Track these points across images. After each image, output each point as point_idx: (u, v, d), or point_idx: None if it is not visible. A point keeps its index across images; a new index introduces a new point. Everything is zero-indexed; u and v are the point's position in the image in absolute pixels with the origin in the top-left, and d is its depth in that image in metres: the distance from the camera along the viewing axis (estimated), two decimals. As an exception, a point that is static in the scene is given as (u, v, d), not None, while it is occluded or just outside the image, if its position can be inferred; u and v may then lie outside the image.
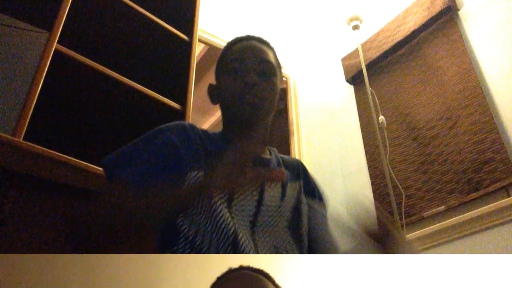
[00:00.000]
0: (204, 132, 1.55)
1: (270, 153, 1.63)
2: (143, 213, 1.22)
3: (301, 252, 1.42)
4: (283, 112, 4.50)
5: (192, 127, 1.50)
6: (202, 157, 1.41)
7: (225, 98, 1.57)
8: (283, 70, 4.54)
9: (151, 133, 1.46)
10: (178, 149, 1.40)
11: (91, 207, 1.29)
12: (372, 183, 3.98)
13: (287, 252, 1.36)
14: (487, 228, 3.03)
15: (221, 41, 3.99)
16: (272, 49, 1.68)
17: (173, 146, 1.41)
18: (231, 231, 1.27)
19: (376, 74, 4.44)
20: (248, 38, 1.67)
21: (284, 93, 1.66)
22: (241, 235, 1.28)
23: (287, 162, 1.65)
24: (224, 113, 1.63)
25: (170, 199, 1.23)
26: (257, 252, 1.28)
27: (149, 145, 1.41)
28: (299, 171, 1.64)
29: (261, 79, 1.53)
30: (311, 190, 1.65)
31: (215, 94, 1.65)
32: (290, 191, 1.51)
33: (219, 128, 1.63)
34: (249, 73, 1.52)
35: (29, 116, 1.84)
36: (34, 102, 1.89)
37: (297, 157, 4.05)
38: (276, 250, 1.34)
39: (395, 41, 4.26)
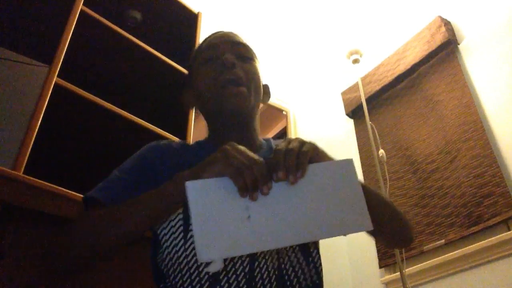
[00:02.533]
0: (184, 145, 1.47)
1: (262, 145, 1.51)
2: (121, 225, 1.10)
3: (306, 254, 1.27)
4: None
5: (167, 143, 1.43)
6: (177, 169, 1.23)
7: (200, 88, 1.44)
8: (283, 104, 4.59)
9: (126, 160, 1.38)
10: (152, 162, 1.33)
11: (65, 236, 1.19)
12: (372, 217, 3.97)
13: (289, 258, 1.22)
14: (488, 262, 3.02)
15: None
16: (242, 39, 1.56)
17: (145, 159, 1.35)
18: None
19: (376, 108, 4.45)
20: (218, 31, 1.58)
21: (267, 89, 1.48)
22: (226, 261, 1.15)
23: None
24: (206, 111, 1.50)
25: (144, 203, 1.10)
26: (252, 274, 1.15)
27: (122, 168, 1.34)
28: None
29: (239, 60, 1.43)
30: None
31: (189, 98, 1.54)
32: None
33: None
34: (226, 54, 1.41)
35: (29, 149, 1.85)
36: (34, 135, 1.89)
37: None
38: (278, 256, 1.21)
39: (395, 75, 4.28)
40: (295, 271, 1.22)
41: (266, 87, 1.59)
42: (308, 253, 1.28)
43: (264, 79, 1.55)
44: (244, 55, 1.46)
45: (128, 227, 1.10)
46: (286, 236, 0.95)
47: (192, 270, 1.16)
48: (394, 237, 1.46)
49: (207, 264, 0.93)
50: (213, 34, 1.56)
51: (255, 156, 0.99)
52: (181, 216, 1.23)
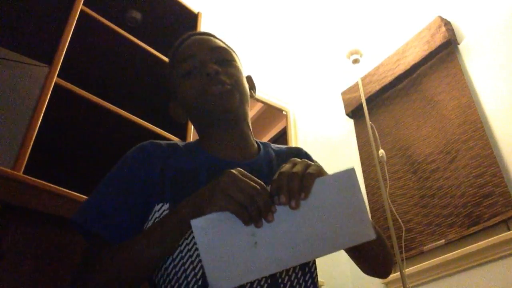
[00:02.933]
0: (174, 147, 1.40)
1: (259, 149, 1.47)
2: (133, 265, 1.08)
3: (309, 281, 1.25)
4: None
5: (155, 146, 1.36)
6: (167, 182, 1.25)
7: (188, 104, 1.40)
8: (283, 104, 4.59)
9: (113, 170, 1.32)
10: (141, 181, 1.26)
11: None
12: (372, 217, 3.97)
13: (291, 285, 1.19)
14: (487, 262, 3.02)
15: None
16: (219, 39, 1.52)
17: (135, 178, 1.26)
18: (198, 271, 1.15)
19: (376, 108, 4.45)
20: (190, 35, 1.51)
21: (251, 81, 1.44)
22: None
23: (285, 153, 1.51)
24: (195, 121, 1.47)
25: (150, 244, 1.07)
26: None
27: (111, 186, 1.26)
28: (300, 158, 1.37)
29: (221, 66, 1.37)
30: None
31: (178, 111, 1.50)
32: None
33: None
34: (206, 64, 1.36)
35: (29, 149, 1.85)
36: (34, 135, 1.89)
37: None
38: (275, 283, 1.17)
39: (395, 75, 4.27)
40: (291, 280, 1.20)
41: (249, 79, 1.55)
42: (306, 262, 1.25)
43: (254, 75, 1.52)
44: (224, 58, 1.42)
45: (145, 265, 1.09)
46: (293, 256, 0.95)
47: (180, 281, 1.15)
48: (377, 265, 1.43)
49: None
50: (188, 39, 1.50)
51: (257, 184, 0.97)
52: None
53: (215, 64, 1.37)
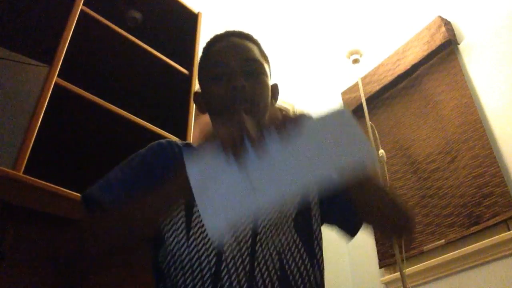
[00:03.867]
0: (188, 145, 1.48)
1: None
2: (128, 227, 1.15)
3: (311, 255, 1.29)
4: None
5: (170, 143, 1.45)
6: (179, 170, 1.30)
7: (213, 107, 1.45)
8: (283, 104, 4.58)
9: (128, 158, 1.40)
10: (153, 167, 1.34)
11: (76, 237, 1.23)
12: (373, 217, 3.97)
13: (293, 259, 1.24)
14: (487, 262, 3.02)
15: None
16: (256, 43, 1.58)
17: (147, 164, 1.35)
18: (212, 258, 1.18)
19: (376, 107, 4.45)
20: (228, 34, 1.55)
21: (276, 89, 1.53)
22: (228, 259, 1.18)
23: None
24: (212, 118, 1.50)
25: (151, 202, 1.13)
26: (252, 274, 1.17)
27: (124, 168, 1.36)
28: None
29: (249, 80, 1.40)
30: None
31: (201, 102, 1.54)
32: None
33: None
34: (236, 76, 1.39)
35: (29, 149, 1.85)
36: (34, 135, 1.89)
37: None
38: (280, 257, 1.22)
39: (395, 75, 4.27)
40: (300, 272, 1.23)
41: (274, 87, 1.58)
42: (313, 254, 1.29)
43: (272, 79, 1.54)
44: (254, 71, 1.44)
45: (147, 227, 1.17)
46: (289, 185, 0.96)
47: (194, 267, 1.17)
48: (393, 229, 1.44)
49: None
50: (222, 41, 1.53)
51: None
52: (183, 213, 1.26)
53: (244, 76, 1.40)
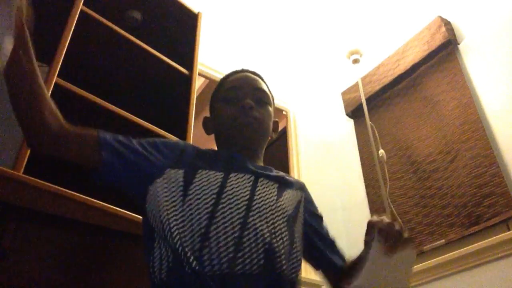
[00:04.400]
0: (199, 149, 1.62)
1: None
2: None
3: (291, 247, 1.41)
4: (282, 146, 4.50)
5: (185, 143, 1.63)
6: (185, 160, 1.49)
7: (220, 124, 1.66)
8: (283, 104, 4.60)
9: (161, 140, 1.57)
10: (161, 150, 1.50)
11: None
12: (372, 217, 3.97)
13: (282, 238, 1.36)
14: (487, 262, 3.02)
15: (221, 75, 3.96)
16: (265, 82, 1.77)
17: (156, 146, 1.52)
18: (204, 220, 1.30)
19: (376, 107, 4.45)
20: (243, 70, 1.78)
21: (276, 125, 1.76)
22: (218, 223, 1.30)
23: (292, 178, 1.69)
24: (219, 140, 1.71)
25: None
26: (240, 240, 1.28)
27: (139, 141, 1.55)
28: (302, 187, 1.69)
29: (257, 105, 1.63)
30: (313, 207, 1.71)
31: (210, 126, 1.75)
32: (288, 195, 1.54)
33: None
34: (246, 98, 1.62)
35: (29, 149, 1.85)
36: (34, 135, 1.89)
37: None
38: (269, 232, 1.33)
39: (395, 75, 4.28)
40: (285, 250, 1.35)
41: (275, 123, 1.78)
42: (293, 242, 1.42)
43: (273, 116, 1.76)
44: (261, 100, 1.67)
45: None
46: None
47: (187, 227, 1.29)
48: None
49: None
50: (237, 74, 1.77)
51: None
52: (181, 174, 1.42)
53: (253, 100, 1.63)
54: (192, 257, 1.21)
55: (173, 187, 1.38)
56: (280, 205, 1.45)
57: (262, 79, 1.77)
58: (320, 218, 1.70)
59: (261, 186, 1.47)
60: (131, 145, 1.51)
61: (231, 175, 1.44)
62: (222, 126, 1.65)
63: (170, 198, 1.35)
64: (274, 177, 1.56)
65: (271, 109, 1.71)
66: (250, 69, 1.79)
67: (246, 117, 1.58)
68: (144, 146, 1.51)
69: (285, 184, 1.57)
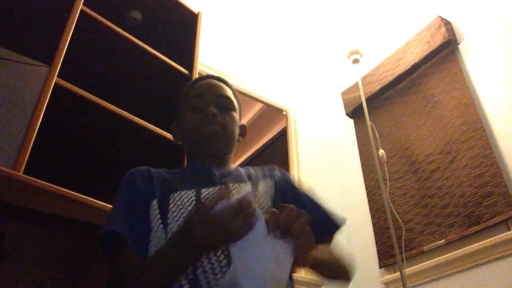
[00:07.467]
0: (165, 170, 1.63)
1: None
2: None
3: None
4: (282, 146, 4.51)
5: (148, 169, 1.57)
6: (158, 185, 1.48)
7: (187, 132, 1.67)
8: (283, 104, 4.60)
9: (120, 187, 1.51)
10: (139, 188, 1.48)
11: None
12: (372, 217, 3.97)
13: None
14: (488, 262, 3.02)
15: (221, 75, 4.01)
16: (230, 86, 1.80)
17: (135, 188, 1.48)
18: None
19: (376, 107, 4.45)
20: (208, 77, 1.82)
21: (244, 130, 1.77)
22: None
23: (260, 169, 1.71)
24: (187, 149, 1.74)
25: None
26: None
27: (121, 198, 1.47)
28: (272, 172, 1.69)
29: (221, 111, 1.65)
30: (286, 183, 1.69)
31: (178, 133, 1.77)
32: (263, 189, 1.56)
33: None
34: (209, 106, 1.63)
35: (29, 149, 1.85)
36: (34, 135, 1.89)
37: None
38: None
39: (395, 75, 4.27)
40: None
41: (242, 128, 1.80)
42: None
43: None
44: (226, 106, 1.69)
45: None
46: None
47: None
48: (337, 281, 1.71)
49: None
50: (201, 81, 1.80)
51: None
52: (156, 206, 1.42)
53: (216, 108, 1.64)
54: (184, 280, 1.25)
55: (153, 222, 1.39)
56: (259, 203, 1.49)
57: (227, 84, 1.80)
58: (295, 188, 1.72)
59: (235, 191, 1.49)
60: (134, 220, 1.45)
61: (202, 191, 1.46)
62: (187, 136, 1.68)
63: (154, 234, 1.37)
64: (244, 177, 1.60)
65: (236, 114, 1.73)
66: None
67: (210, 124, 1.61)
68: (131, 209, 1.46)
69: (256, 178, 1.61)
